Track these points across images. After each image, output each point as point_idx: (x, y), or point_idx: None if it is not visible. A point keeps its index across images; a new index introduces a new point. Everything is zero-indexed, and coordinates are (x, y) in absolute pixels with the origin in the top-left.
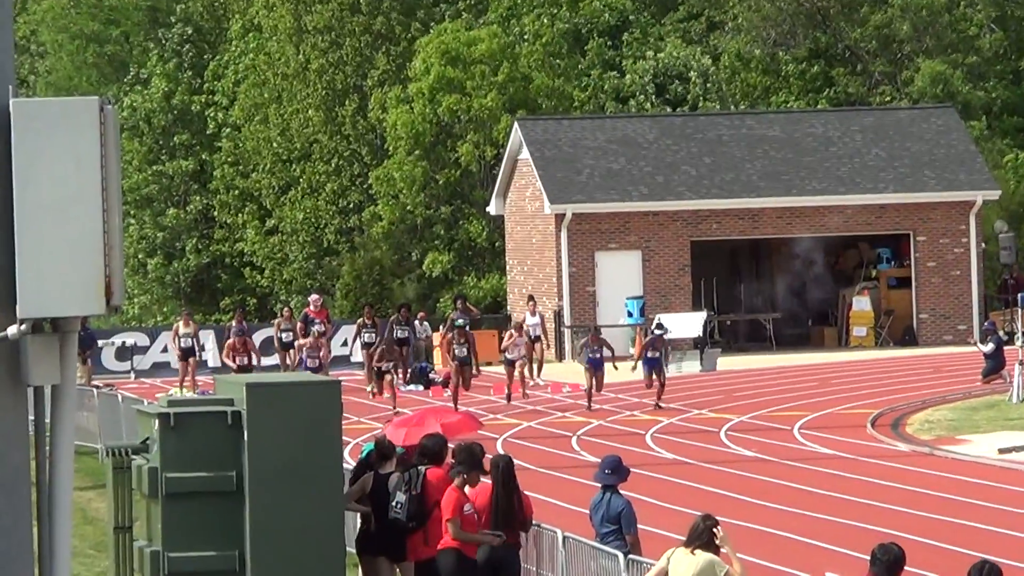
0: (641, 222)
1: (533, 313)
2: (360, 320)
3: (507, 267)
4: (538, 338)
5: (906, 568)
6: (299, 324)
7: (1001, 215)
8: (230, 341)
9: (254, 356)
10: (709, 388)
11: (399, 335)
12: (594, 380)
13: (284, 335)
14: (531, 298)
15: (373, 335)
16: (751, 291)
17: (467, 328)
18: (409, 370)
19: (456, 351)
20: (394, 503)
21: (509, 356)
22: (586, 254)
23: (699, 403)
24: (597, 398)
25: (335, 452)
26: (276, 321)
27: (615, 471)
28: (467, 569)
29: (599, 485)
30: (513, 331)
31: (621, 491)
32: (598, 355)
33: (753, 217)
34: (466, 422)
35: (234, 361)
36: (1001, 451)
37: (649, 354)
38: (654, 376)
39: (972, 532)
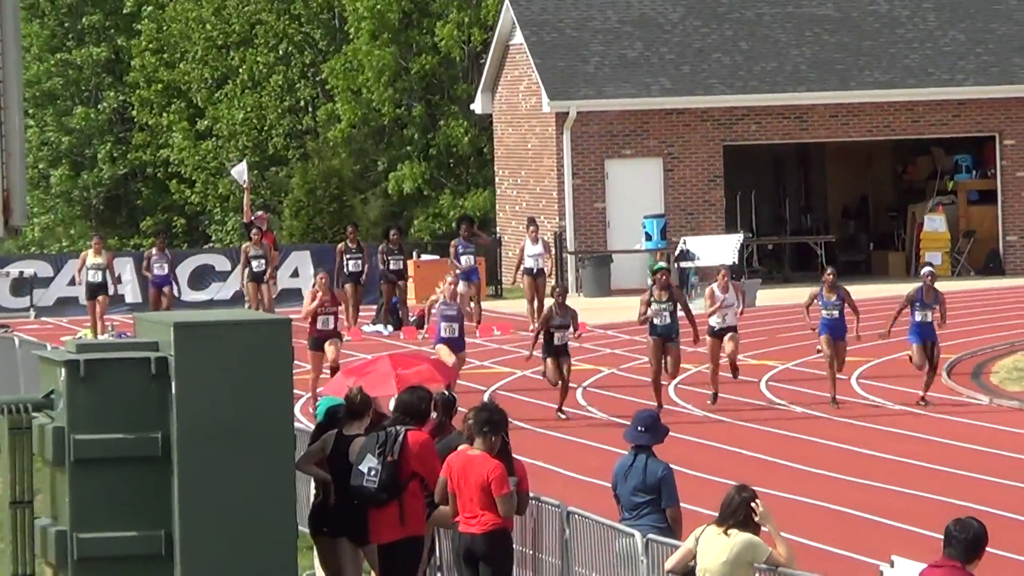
0: (662, 123)
1: (535, 240)
2: (341, 244)
3: (496, 179)
4: (540, 272)
5: (988, 548)
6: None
7: None
8: (151, 291)
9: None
10: (746, 328)
11: (392, 266)
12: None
13: (256, 263)
14: (532, 221)
15: (360, 263)
16: (798, 209)
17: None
18: (377, 307)
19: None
20: (365, 469)
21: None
22: (594, 162)
23: (775, 344)
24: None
25: (284, 408)
26: (244, 246)
27: (650, 429)
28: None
29: (630, 445)
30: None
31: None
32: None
33: (801, 116)
34: (430, 372)
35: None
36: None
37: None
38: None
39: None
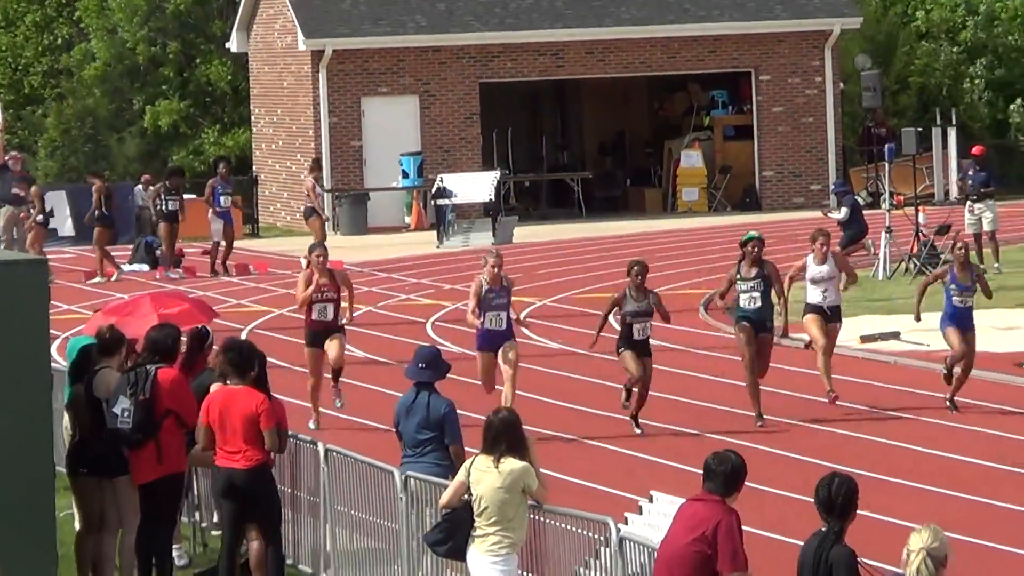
0: (418, 60)
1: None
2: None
3: (252, 118)
4: (312, 212)
5: (747, 483)
6: None
7: (863, 48)
8: None
9: None
10: (505, 265)
11: (170, 206)
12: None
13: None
14: (317, 163)
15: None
16: (555, 146)
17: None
18: (133, 246)
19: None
20: (118, 411)
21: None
22: (350, 100)
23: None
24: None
25: (40, 348)
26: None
27: (431, 365)
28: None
29: (411, 382)
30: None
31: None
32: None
33: (556, 53)
34: (192, 312)
35: None
36: (864, 339)
37: None
38: None
39: (827, 439)
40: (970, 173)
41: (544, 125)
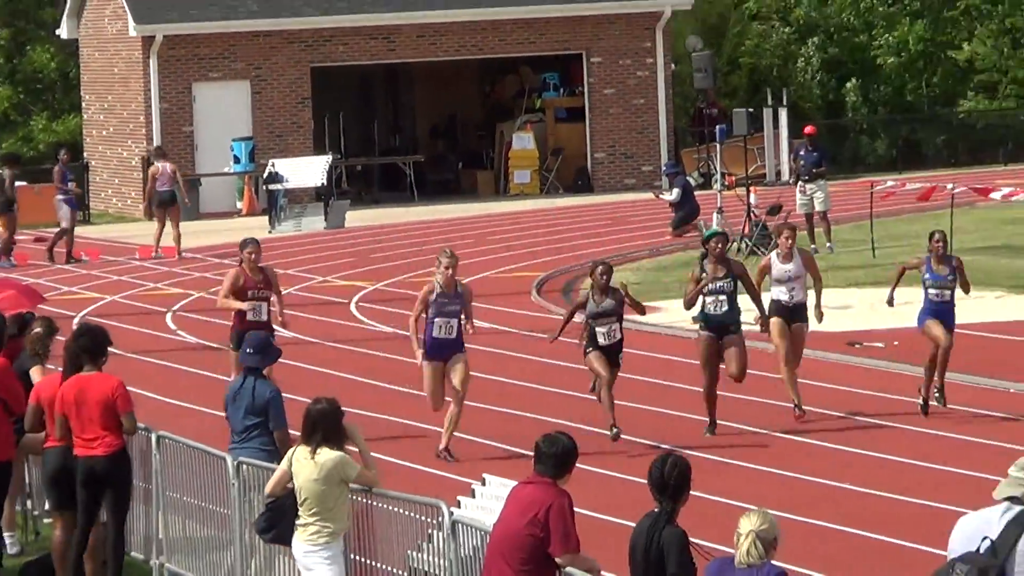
0: (249, 45)
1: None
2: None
3: (83, 104)
4: (173, 199)
5: (578, 464)
6: None
7: (695, 29)
8: None
9: None
10: (336, 249)
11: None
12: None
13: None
14: (160, 152)
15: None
16: (387, 129)
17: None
18: None
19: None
20: None
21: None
22: (182, 86)
23: (324, 268)
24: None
25: None
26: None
27: (261, 351)
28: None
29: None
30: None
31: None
32: None
33: (388, 37)
34: (17, 298)
35: None
36: (696, 319)
37: None
38: None
39: (664, 421)
40: (802, 153)
41: (376, 109)
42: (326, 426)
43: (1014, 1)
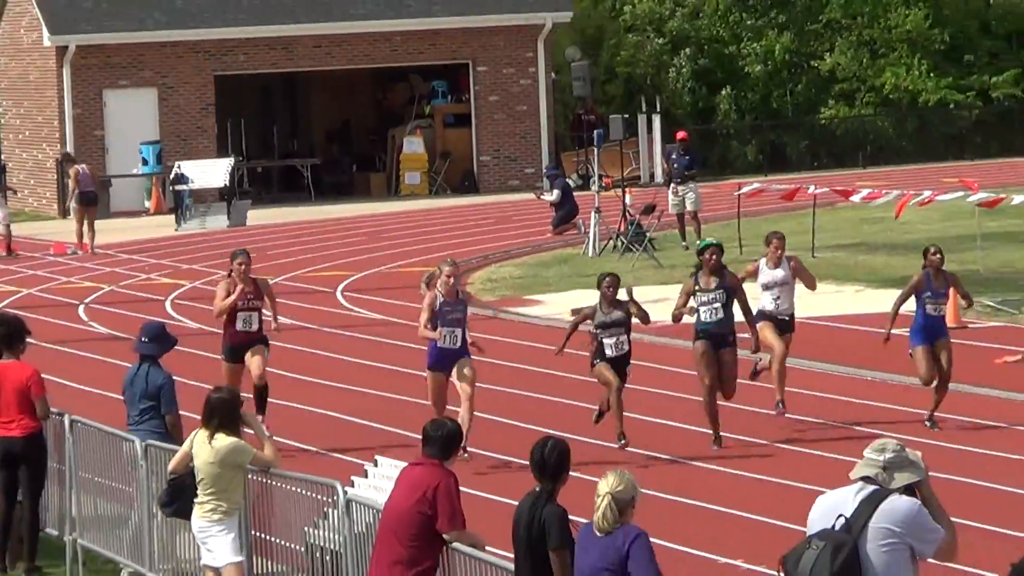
0: (157, 55)
1: (87, 171)
2: None
3: (0, 110)
4: (94, 198)
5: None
6: None
7: (574, 40)
8: None
9: None
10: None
11: None
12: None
13: None
14: (69, 157)
15: None
16: (286, 133)
17: None
18: None
19: None
20: None
21: None
22: (93, 93)
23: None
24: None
25: None
26: None
27: (155, 339)
28: None
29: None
30: None
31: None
32: None
33: (286, 47)
34: None
35: None
36: (574, 312)
37: None
38: None
39: (543, 405)
40: (674, 157)
41: (275, 114)
42: (222, 414)
43: (873, 15)
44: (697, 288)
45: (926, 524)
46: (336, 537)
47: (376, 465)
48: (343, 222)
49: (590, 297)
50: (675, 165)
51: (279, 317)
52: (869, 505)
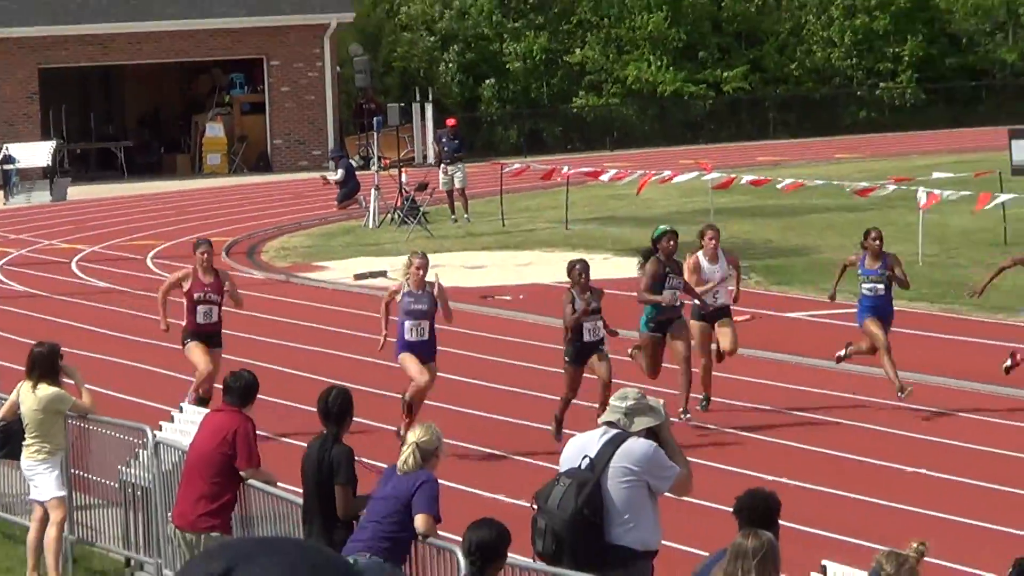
0: None
1: None
2: None
3: None
4: None
5: (260, 396)
6: None
7: (356, 38)
8: None
9: None
10: (60, 218)
11: None
12: None
13: None
14: None
15: None
16: (102, 119)
17: None
18: None
19: None
20: None
21: None
22: None
23: (50, 234)
24: None
25: None
26: None
27: None
28: None
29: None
30: None
31: None
32: None
33: (103, 44)
34: None
35: None
36: (357, 276)
37: None
38: None
39: (329, 359)
40: (444, 140)
41: (93, 103)
42: (43, 367)
43: (618, 16)
44: (667, 272)
45: (661, 463)
46: (146, 475)
47: (181, 411)
48: (153, 198)
49: (371, 264)
50: (445, 148)
51: (238, 291)
52: (611, 446)
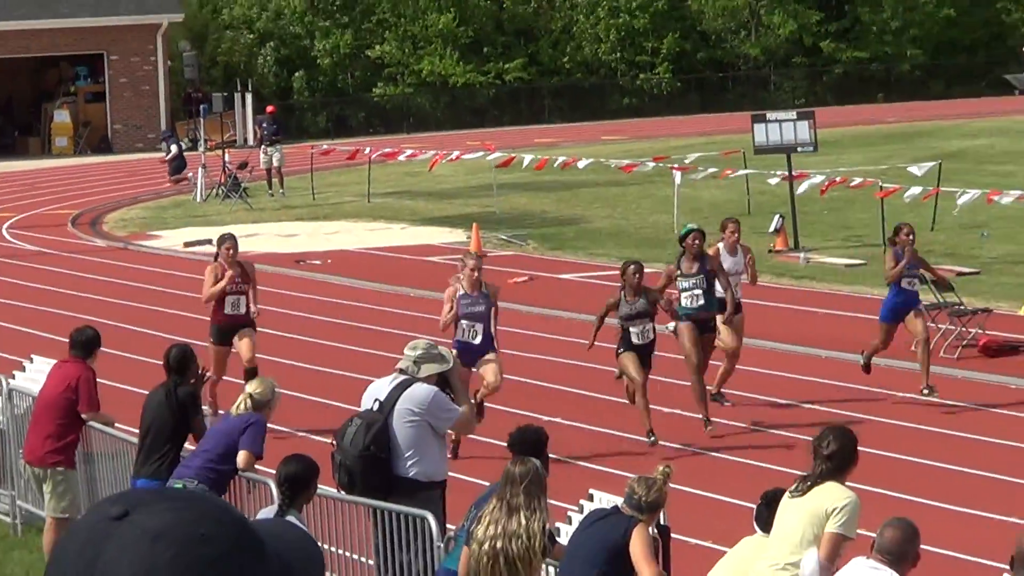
0: None
1: None
2: None
3: None
4: None
5: (102, 348)
6: None
7: (185, 36)
8: None
9: None
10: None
11: None
12: None
13: None
14: None
15: None
16: None
17: None
18: None
19: None
20: None
21: None
22: None
23: None
24: None
25: None
26: None
27: None
28: None
29: None
30: None
31: None
32: None
33: None
34: None
35: None
36: (187, 244)
37: None
38: None
39: (164, 317)
40: (264, 125)
41: None
42: None
43: (413, 16)
44: (680, 273)
45: (442, 405)
46: (1, 418)
47: (32, 362)
48: (6, 176)
49: (200, 233)
50: (264, 131)
51: (257, 303)
52: (398, 391)
